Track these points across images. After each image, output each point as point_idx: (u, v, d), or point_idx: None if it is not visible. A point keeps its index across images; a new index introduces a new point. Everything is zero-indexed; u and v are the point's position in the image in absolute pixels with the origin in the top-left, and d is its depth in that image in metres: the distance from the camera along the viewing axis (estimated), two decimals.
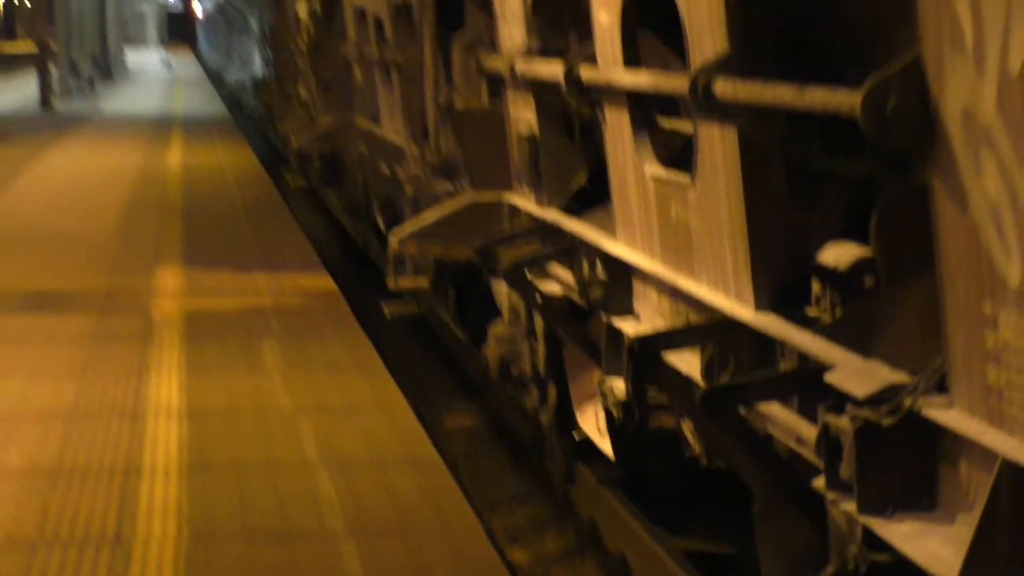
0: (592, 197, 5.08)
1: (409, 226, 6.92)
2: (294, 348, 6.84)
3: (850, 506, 2.53)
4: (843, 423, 2.53)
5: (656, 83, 3.83)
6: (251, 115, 28.41)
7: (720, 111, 3.34)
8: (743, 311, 3.36)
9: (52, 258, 9.43)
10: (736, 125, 3.31)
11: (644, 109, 4.17)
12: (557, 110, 5.12)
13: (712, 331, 3.61)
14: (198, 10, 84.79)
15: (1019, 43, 2.16)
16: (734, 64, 3.29)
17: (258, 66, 27.74)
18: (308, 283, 8.56)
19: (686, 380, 3.68)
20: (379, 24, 9.25)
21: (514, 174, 6.23)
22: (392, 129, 9.22)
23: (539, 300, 5.03)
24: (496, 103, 6.36)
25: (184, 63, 63.84)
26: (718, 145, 3.44)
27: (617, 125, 4.29)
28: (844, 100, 2.63)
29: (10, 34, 62.83)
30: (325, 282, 8.58)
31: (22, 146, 17.96)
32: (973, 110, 2.28)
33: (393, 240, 6.65)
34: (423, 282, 7.83)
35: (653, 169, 4.06)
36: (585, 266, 4.56)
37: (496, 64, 5.98)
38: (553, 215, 5.09)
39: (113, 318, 7.50)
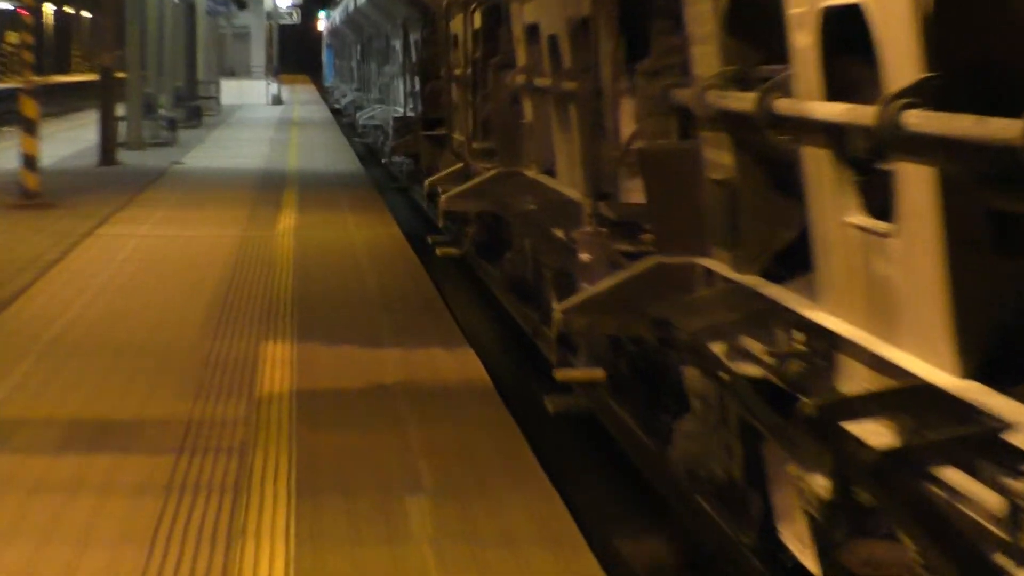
0: (801, 256, 5.71)
1: (579, 297, 7.80)
2: (453, 511, 6.86)
3: None
4: None
5: (851, 115, 4.53)
6: (392, 168, 29.45)
7: (915, 145, 3.98)
8: (944, 377, 3.95)
9: (113, 376, 9.68)
10: (934, 162, 3.96)
11: (845, 145, 4.85)
12: (758, 150, 5.90)
13: (906, 398, 4.19)
14: (322, 26, 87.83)
15: None
16: (930, 92, 3.93)
17: (401, 100, 28.81)
18: (470, 409, 8.70)
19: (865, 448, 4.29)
20: (555, 44, 10.22)
21: (708, 229, 7.05)
22: (569, 181, 10.21)
23: (730, 380, 5.68)
24: (690, 144, 7.26)
25: (302, 97, 65.78)
26: (916, 186, 4.11)
27: (816, 165, 5.03)
28: None
29: (63, 61, 65.67)
30: (495, 411, 8.64)
31: (76, 216, 18.69)
32: None
33: (558, 312, 7.40)
34: (597, 374, 8.46)
35: (856, 216, 4.76)
36: (783, 337, 5.24)
37: (685, 96, 7.04)
38: (752, 280, 5.82)
39: (195, 461, 7.64)
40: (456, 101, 16.58)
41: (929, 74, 4.01)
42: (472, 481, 7.29)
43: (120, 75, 29.55)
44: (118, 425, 8.41)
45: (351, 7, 46.24)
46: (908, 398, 4.18)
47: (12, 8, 60.80)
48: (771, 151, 5.93)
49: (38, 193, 20.28)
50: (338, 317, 12.05)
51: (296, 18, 77.83)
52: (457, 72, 16.67)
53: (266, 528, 6.57)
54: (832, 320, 4.93)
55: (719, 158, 6.51)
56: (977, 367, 3.90)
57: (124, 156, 27.95)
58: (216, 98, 50.17)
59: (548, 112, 10.83)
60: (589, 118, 9.12)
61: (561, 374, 8.14)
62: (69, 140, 32.81)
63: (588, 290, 7.85)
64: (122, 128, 29.29)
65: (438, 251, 17.67)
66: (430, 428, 8.32)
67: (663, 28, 8.23)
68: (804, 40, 5.10)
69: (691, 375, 6.73)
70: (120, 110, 28.94)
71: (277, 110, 52.57)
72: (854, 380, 4.83)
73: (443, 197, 14.35)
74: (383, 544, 6.38)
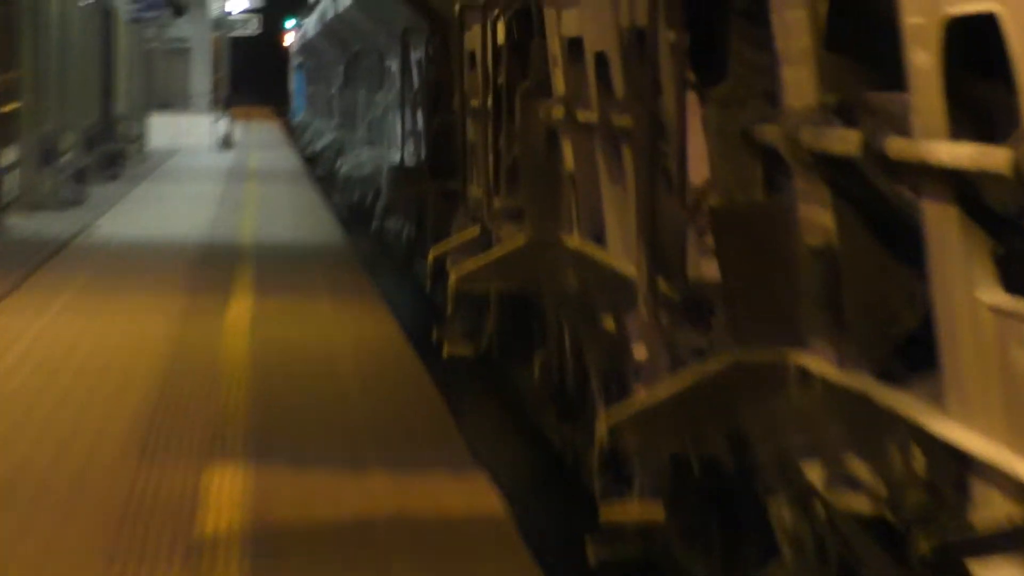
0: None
1: (632, 406, 7.74)
2: None
3: None
4: None
5: (984, 159, 4.43)
6: (387, 236, 29.63)
7: None
8: None
9: None
10: None
11: (980, 198, 4.72)
12: (870, 205, 5.90)
13: None
14: (290, 40, 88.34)
15: None
16: None
17: (399, 142, 28.98)
18: (486, 561, 8.94)
19: None
20: (603, 64, 10.16)
21: (803, 314, 6.96)
22: (622, 250, 10.09)
23: (830, 517, 5.78)
24: (779, 199, 7.25)
25: (262, 138, 66.10)
26: None
27: (939, 224, 4.96)
28: None
29: None
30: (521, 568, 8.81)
31: None
32: None
33: (603, 427, 7.39)
34: (655, 511, 8.56)
35: (993, 294, 4.69)
36: (900, 458, 5.30)
37: (772, 133, 6.94)
38: (863, 382, 5.77)
39: None
40: (473, 142, 16.63)
41: None
42: None
43: (9, 107, 29.71)
44: None
45: (330, 14, 45.97)
46: None
47: None
48: (887, 206, 5.94)
49: None
50: (308, 451, 12.14)
51: (254, 28, 77.92)
52: (474, 103, 16.81)
53: None
54: (963, 434, 4.87)
55: (818, 217, 6.54)
56: None
57: (13, 220, 28.25)
58: (142, 140, 50.43)
59: (595, 156, 10.81)
60: (647, 163, 8.87)
61: (608, 512, 8.36)
62: None
63: (644, 397, 7.95)
64: (12, 181, 29.39)
65: (446, 349, 17.29)
66: None
67: (745, 42, 8.04)
68: (925, 60, 5.06)
69: (780, 510, 6.79)
70: (10, 155, 29.08)
71: (227, 157, 52.78)
72: (991, 512, 4.81)
73: (453, 274, 14.19)
74: None
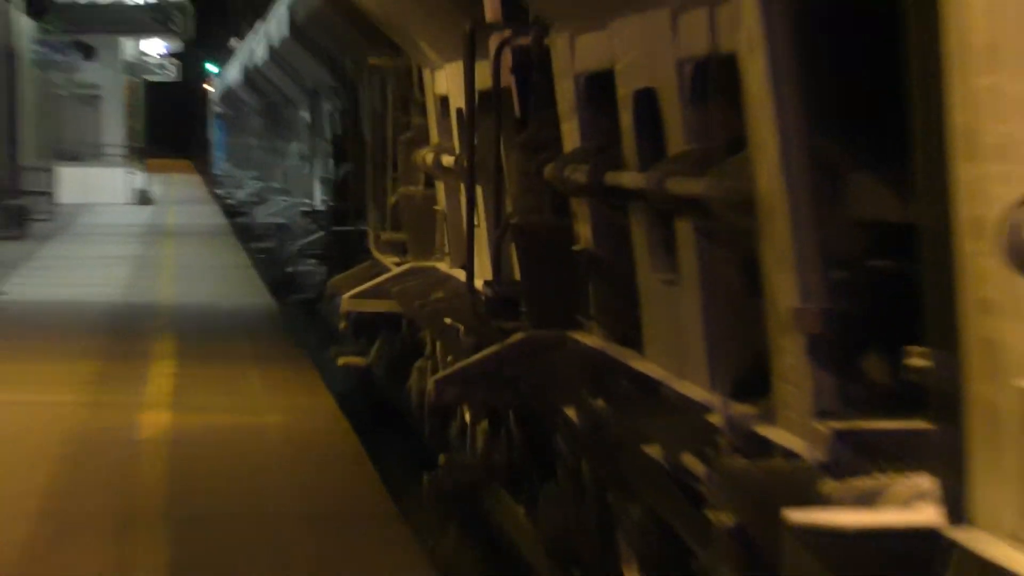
0: None
1: (452, 369, 12.37)
2: None
3: None
4: None
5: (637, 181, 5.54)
6: (301, 277, 31.20)
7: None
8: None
9: None
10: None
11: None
12: (613, 220, 7.20)
13: None
14: (212, 88, 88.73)
15: None
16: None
17: (312, 190, 31.39)
18: None
19: None
20: (461, 118, 12.20)
21: (577, 304, 11.18)
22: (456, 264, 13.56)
23: (584, 444, 6.67)
24: (559, 219, 11.71)
25: (182, 192, 66.44)
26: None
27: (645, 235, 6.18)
28: None
29: None
30: None
31: None
32: None
33: (431, 383, 11.81)
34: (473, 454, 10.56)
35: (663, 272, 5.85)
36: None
37: (550, 172, 10.94)
38: (613, 350, 6.98)
39: None
40: (368, 186, 19.66)
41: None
42: None
43: None
44: None
45: (249, 64, 46.49)
46: None
47: None
48: (623, 221, 9.55)
49: None
50: (234, 543, 12.34)
51: (173, 74, 78.34)
52: (446, 162, 17.54)
53: None
54: (651, 367, 5.55)
55: (583, 231, 10.39)
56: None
57: None
58: (49, 194, 50.66)
59: (458, 195, 13.66)
60: (469, 196, 12.75)
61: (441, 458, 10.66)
62: None
63: (462, 362, 11.90)
64: None
65: (340, 360, 21.74)
66: None
67: (541, 102, 11.90)
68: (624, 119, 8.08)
69: (558, 443, 9.10)
70: None
71: (144, 212, 53.01)
72: None
73: (345, 297, 17.93)
74: None
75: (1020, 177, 5.45)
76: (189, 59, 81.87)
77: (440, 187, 16.10)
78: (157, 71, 74.98)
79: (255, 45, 43.63)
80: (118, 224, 46.28)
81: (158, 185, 64.47)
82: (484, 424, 14.93)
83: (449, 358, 14.93)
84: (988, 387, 5.82)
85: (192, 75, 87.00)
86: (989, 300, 5.78)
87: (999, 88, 5.60)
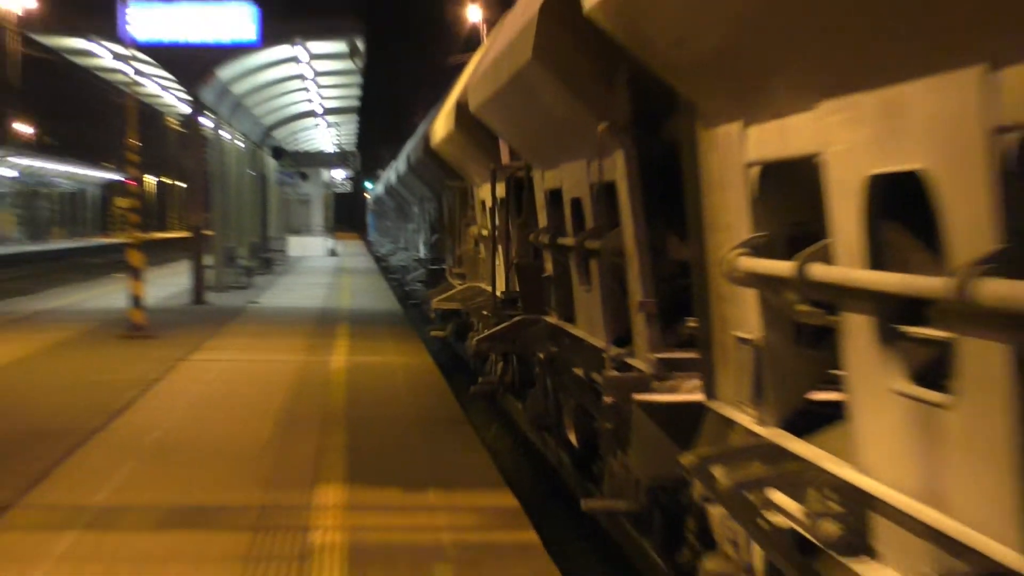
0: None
1: (483, 335, 13.75)
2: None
3: None
4: None
5: (908, 285, 3.69)
6: (413, 295, 31.18)
7: (989, 319, 3.21)
8: (1017, 558, 3.23)
9: (200, 470, 9.78)
10: (1009, 336, 3.18)
11: (891, 314, 4.12)
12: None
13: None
14: (368, 195, 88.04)
15: None
16: (1008, 263, 3.14)
17: (419, 248, 31.79)
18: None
19: None
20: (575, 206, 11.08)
21: (545, 302, 12.01)
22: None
23: (765, 528, 5.03)
24: (538, 261, 12.64)
25: (352, 250, 66.09)
26: (984, 360, 3.32)
27: (858, 332, 4.28)
28: None
29: (162, 221, 66.04)
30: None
31: (174, 346, 19.03)
32: None
33: (472, 343, 12.39)
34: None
35: (901, 385, 4.01)
36: (815, 495, 4.53)
37: (534, 238, 12.23)
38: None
39: (267, 537, 7.65)
40: (446, 245, 20.95)
41: (1008, 242, 3.25)
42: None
43: (207, 232, 29.77)
44: (206, 510, 8.45)
45: (388, 183, 46.87)
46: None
47: (122, 179, 61.12)
48: (566, 261, 10.96)
49: (143, 327, 20.53)
50: (377, 412, 12.69)
51: (348, 188, 78.03)
52: (484, 232, 17.51)
53: None
54: (871, 483, 4.19)
55: (549, 266, 11.83)
56: None
57: (211, 297, 28.17)
58: (283, 251, 50.40)
59: (490, 250, 15.21)
60: (494, 249, 15.36)
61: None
62: (167, 285, 32.99)
63: (489, 331, 13.36)
64: (209, 274, 29.44)
65: (431, 333, 22.26)
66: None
67: (528, 204, 13.10)
68: (566, 212, 8.64)
69: (716, 516, 6.03)
70: (208, 260, 29.12)
71: (333, 260, 52.67)
72: (898, 548, 4.06)
73: (433, 300, 19.68)
74: None
75: (732, 240, 5.69)
76: (357, 180, 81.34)
77: (481, 247, 17.98)
78: (340, 187, 74.48)
79: (391, 174, 43.58)
80: (319, 267, 45.91)
81: (340, 245, 63.84)
82: (500, 362, 14.99)
83: (484, 330, 15.14)
84: (720, 336, 6.16)
85: (357, 189, 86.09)
86: (721, 295, 6.07)
87: (722, 202, 5.87)
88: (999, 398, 3.25)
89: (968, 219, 3.28)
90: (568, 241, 10.41)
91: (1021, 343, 3.16)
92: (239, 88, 31.71)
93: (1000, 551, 3.25)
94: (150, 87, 33.56)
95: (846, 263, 4.23)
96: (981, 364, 3.33)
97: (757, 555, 5.44)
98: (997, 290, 3.09)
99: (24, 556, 7.23)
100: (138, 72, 27.07)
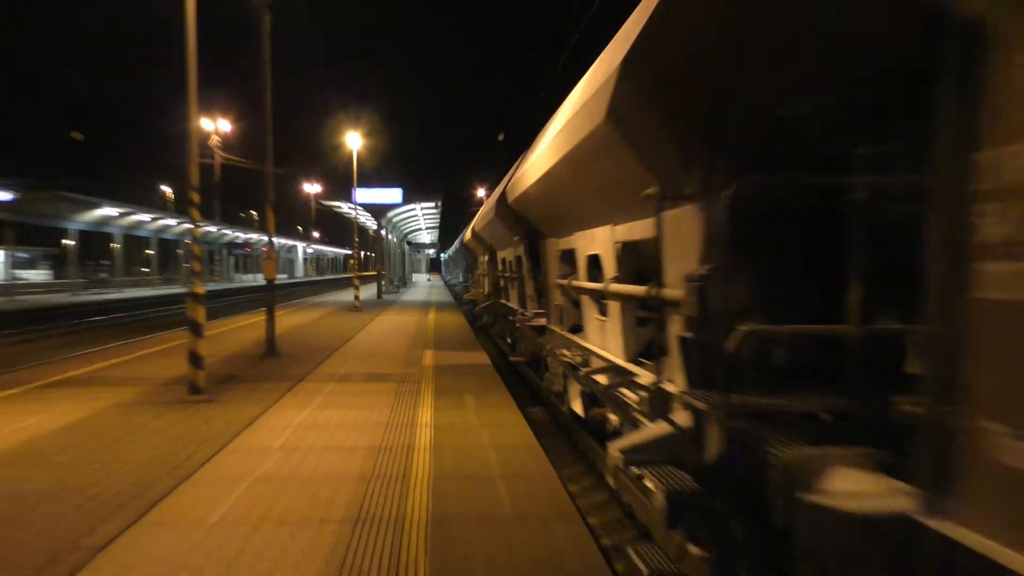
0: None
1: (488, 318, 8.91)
2: None
3: None
4: None
5: (595, 287, 3.68)
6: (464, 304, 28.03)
7: (614, 296, 3.23)
8: (622, 361, 3.21)
9: (378, 361, 9.01)
10: (622, 301, 3.27)
11: (598, 296, 4.10)
12: (568, 293, 5.05)
13: None
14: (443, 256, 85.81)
15: None
16: (621, 278, 3.26)
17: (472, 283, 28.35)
18: None
19: None
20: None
21: (556, 318, 6.21)
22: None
23: (564, 361, 4.87)
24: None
25: (436, 282, 64.66)
26: (614, 309, 3.48)
27: (588, 303, 4.16)
28: None
29: (364, 269, 65.84)
30: None
31: (368, 314, 17.39)
32: None
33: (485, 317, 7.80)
34: (523, 359, 7.23)
35: (596, 316, 3.92)
36: (575, 350, 4.43)
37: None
38: (564, 333, 5.07)
39: (406, 384, 7.37)
40: (502, 286, 12.38)
41: None
42: None
43: (383, 272, 29.87)
44: (379, 374, 7.51)
45: (456, 247, 45.89)
46: None
47: (351, 252, 59.69)
48: (538, 279, 7.70)
49: (359, 308, 19.51)
50: (454, 393, 7.90)
51: (433, 253, 77.38)
52: (508, 274, 13.25)
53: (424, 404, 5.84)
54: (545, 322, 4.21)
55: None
56: None
57: (385, 296, 27.78)
58: (409, 280, 49.95)
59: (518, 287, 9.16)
60: (522, 286, 9.20)
61: (512, 354, 7.24)
62: (368, 291, 31.41)
63: (486, 319, 9.61)
64: (383, 288, 29.35)
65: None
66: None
67: (544, 261, 7.27)
68: (579, 265, 5.56)
69: (518, 334, 5.75)
70: (383, 283, 29.04)
71: (428, 284, 51.77)
72: None
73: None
74: (457, 408, 5.57)
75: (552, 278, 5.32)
76: (437, 252, 79.92)
77: (556, 293, 9.38)
78: (430, 252, 73.44)
79: (456, 243, 42.49)
80: (423, 287, 44.51)
81: (430, 278, 61.85)
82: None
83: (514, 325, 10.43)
84: (554, 301, 5.37)
85: (438, 255, 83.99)
86: (552, 288, 5.53)
87: (547, 269, 5.54)
88: (619, 320, 4.40)
89: (610, 265, 4.51)
90: (580, 283, 6.21)
91: (624, 305, 4.27)
92: (395, 218, 32.80)
93: (619, 360, 4.29)
94: (362, 218, 34.39)
95: (583, 279, 5.15)
96: (615, 310, 4.49)
97: (561, 376, 6.25)
98: (616, 288, 4.25)
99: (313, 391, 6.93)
100: (357, 212, 28.70)
